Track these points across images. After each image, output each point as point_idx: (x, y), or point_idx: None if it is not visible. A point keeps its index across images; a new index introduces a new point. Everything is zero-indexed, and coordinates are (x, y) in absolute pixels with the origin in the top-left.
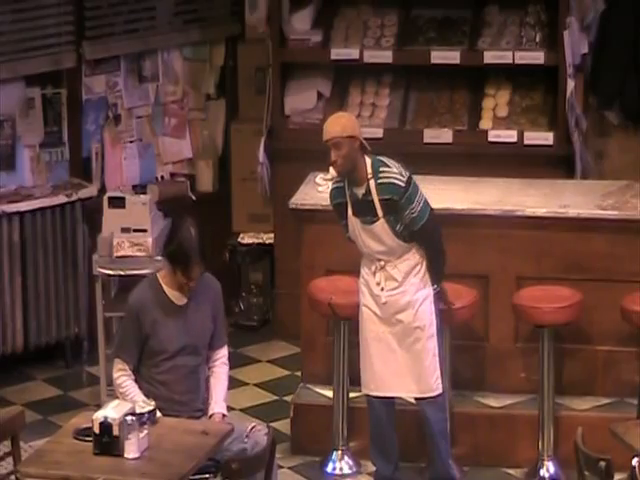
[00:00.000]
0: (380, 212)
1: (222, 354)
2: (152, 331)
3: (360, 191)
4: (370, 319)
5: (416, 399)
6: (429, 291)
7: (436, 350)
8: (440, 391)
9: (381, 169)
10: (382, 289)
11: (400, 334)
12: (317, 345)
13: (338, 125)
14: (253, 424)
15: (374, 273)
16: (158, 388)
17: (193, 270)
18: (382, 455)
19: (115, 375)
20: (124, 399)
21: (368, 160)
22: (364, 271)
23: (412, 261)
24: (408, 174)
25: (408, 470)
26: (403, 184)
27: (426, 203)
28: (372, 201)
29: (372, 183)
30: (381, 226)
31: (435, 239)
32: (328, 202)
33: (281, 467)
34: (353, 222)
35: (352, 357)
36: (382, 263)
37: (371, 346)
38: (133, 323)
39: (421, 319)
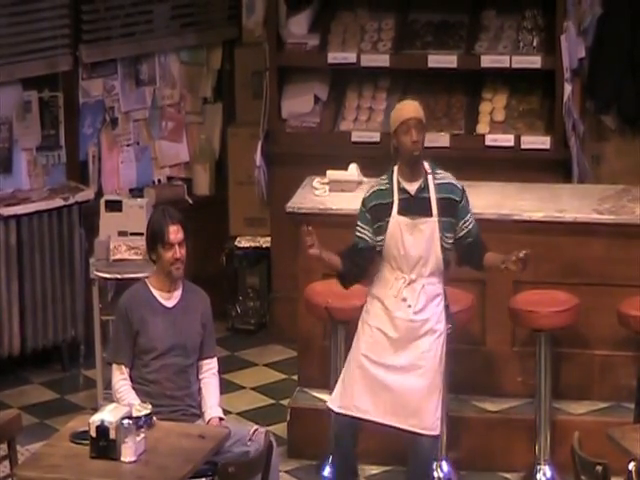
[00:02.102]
0: (435, 210)
1: (212, 365)
2: (141, 328)
3: (414, 186)
4: (380, 343)
5: (414, 433)
6: (444, 327)
7: (441, 388)
8: (438, 432)
9: (438, 170)
10: (409, 306)
11: (409, 362)
12: (314, 349)
13: (419, 110)
14: (255, 427)
15: (399, 289)
16: (149, 386)
17: (171, 233)
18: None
19: (114, 381)
20: (121, 403)
21: (425, 162)
22: (381, 289)
23: (436, 289)
24: (462, 184)
25: (401, 474)
26: (460, 187)
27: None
28: (429, 198)
29: (430, 179)
30: (432, 226)
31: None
32: (360, 206)
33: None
34: (397, 222)
35: None
36: (413, 277)
37: (371, 370)
38: (124, 323)
39: (435, 349)
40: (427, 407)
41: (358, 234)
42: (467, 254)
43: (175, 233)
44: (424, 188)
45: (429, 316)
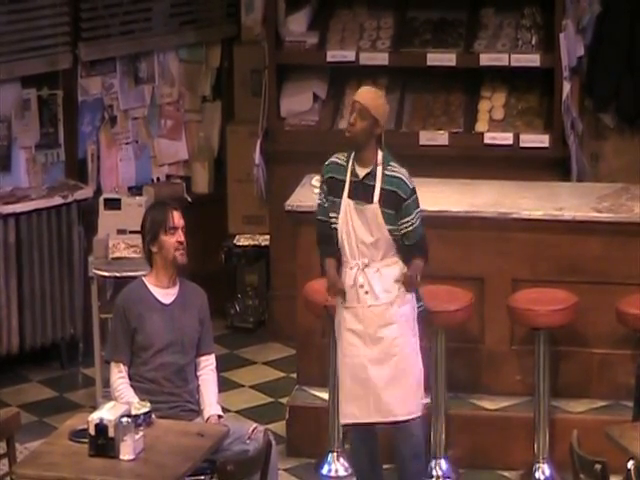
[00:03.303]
0: (376, 198)
1: (210, 361)
2: (139, 325)
3: (363, 172)
4: (351, 343)
5: (398, 422)
6: (412, 308)
7: (421, 367)
8: (420, 412)
9: (392, 163)
10: (367, 292)
11: (383, 352)
12: (312, 347)
13: (374, 99)
14: (254, 425)
15: (354, 276)
16: (148, 384)
17: (175, 217)
18: None
19: (112, 379)
20: (119, 401)
21: (380, 152)
22: (345, 287)
23: (395, 270)
24: (414, 185)
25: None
26: (410, 186)
27: (421, 223)
28: (373, 186)
29: (379, 169)
30: (373, 211)
31: (424, 258)
32: (320, 176)
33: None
34: (346, 204)
35: None
36: (366, 261)
37: (353, 372)
38: (121, 321)
39: (406, 334)
40: (407, 392)
41: (319, 202)
42: (404, 255)
43: (178, 218)
44: (370, 175)
45: (392, 299)
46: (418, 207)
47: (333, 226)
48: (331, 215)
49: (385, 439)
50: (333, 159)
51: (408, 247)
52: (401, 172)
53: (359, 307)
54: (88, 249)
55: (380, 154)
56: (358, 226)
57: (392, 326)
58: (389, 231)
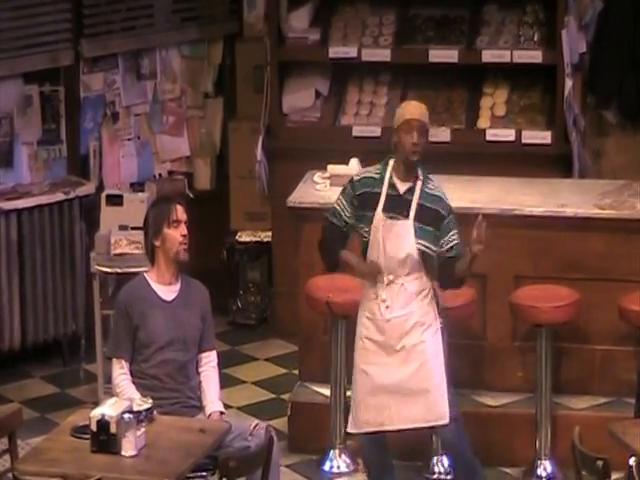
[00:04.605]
0: (412, 214)
1: (211, 358)
2: (141, 322)
3: (405, 186)
4: (371, 351)
5: (429, 428)
6: (434, 320)
7: (444, 377)
8: (448, 418)
9: (430, 178)
10: (387, 307)
11: (404, 359)
12: (315, 343)
13: (425, 114)
14: (256, 422)
15: (377, 291)
16: (149, 380)
17: (179, 211)
18: None
19: (114, 375)
20: (121, 398)
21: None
22: (364, 295)
23: (419, 285)
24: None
25: (407, 469)
26: (449, 205)
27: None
28: (411, 201)
29: (419, 185)
30: (407, 228)
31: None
32: (347, 185)
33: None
34: (379, 218)
35: (350, 355)
36: (391, 277)
37: (371, 379)
38: (123, 317)
39: (428, 340)
40: (434, 398)
41: (337, 208)
42: (444, 266)
43: (182, 212)
44: (410, 191)
45: (413, 310)
46: (457, 223)
47: (364, 240)
48: (360, 226)
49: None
50: (365, 174)
51: (449, 259)
52: (440, 190)
53: (379, 320)
54: (90, 245)
55: (420, 169)
56: (389, 241)
57: (412, 334)
58: (424, 247)
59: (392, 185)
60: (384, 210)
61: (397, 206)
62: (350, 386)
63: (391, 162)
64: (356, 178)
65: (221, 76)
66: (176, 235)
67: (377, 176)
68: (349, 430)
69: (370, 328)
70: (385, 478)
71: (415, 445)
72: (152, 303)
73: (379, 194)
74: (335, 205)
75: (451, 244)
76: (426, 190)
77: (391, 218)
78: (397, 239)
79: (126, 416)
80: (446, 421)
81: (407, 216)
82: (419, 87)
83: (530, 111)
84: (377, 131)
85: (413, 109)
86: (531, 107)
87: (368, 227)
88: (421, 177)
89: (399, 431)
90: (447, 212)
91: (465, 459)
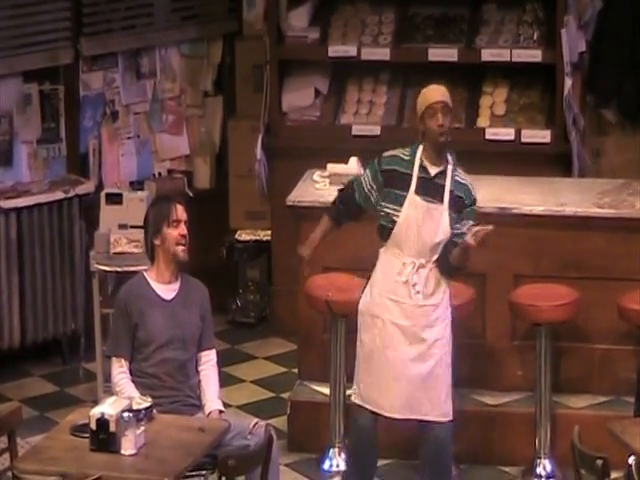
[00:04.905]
0: (447, 199)
1: (211, 357)
2: (140, 320)
3: (435, 170)
4: (393, 336)
5: (428, 422)
6: (450, 314)
7: (449, 380)
8: (451, 417)
9: (459, 168)
10: (418, 292)
11: (422, 352)
12: (314, 342)
13: (446, 94)
14: (255, 420)
15: (408, 274)
16: (149, 379)
17: (179, 210)
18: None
19: (113, 374)
20: (120, 396)
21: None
22: (387, 278)
23: (438, 273)
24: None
25: (404, 468)
26: (474, 196)
27: None
28: (443, 186)
29: (449, 169)
30: (442, 212)
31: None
32: (374, 162)
33: None
34: (412, 200)
35: (349, 354)
36: (422, 261)
37: (389, 365)
38: (123, 316)
39: (446, 337)
40: (439, 394)
41: (362, 183)
42: (445, 248)
43: (181, 211)
44: (441, 175)
45: (438, 301)
46: (474, 215)
47: (391, 218)
48: (385, 205)
49: (386, 434)
50: (395, 152)
51: (451, 242)
52: (468, 180)
53: (409, 305)
54: (89, 244)
55: (450, 156)
56: (426, 225)
57: (435, 328)
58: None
59: (423, 168)
60: (417, 192)
61: (429, 189)
62: (350, 385)
63: (420, 147)
64: (385, 154)
65: (220, 75)
66: (175, 234)
67: (407, 157)
68: (353, 399)
69: (395, 312)
70: (367, 471)
71: (413, 443)
72: (151, 302)
73: (410, 175)
74: (357, 178)
75: (460, 230)
76: (456, 178)
77: (427, 202)
78: (433, 223)
79: (125, 415)
80: (449, 418)
81: (441, 201)
82: (418, 86)
83: (530, 110)
84: (376, 130)
85: (433, 92)
86: (531, 106)
87: (398, 206)
88: (451, 162)
89: (394, 420)
90: (470, 202)
91: (447, 463)
